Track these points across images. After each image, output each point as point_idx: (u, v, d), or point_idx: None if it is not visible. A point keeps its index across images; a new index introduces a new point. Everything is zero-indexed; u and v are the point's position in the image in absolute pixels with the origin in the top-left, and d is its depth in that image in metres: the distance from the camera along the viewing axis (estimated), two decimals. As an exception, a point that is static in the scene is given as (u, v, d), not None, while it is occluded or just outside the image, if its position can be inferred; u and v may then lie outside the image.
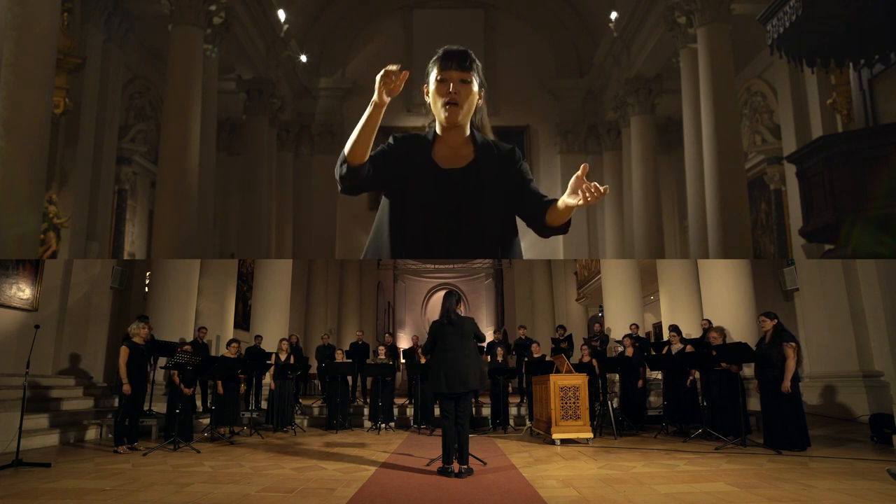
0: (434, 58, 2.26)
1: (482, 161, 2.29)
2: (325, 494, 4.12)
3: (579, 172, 2.03)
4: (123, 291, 10.14)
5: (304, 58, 14.67)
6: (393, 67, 1.99)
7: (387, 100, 2.04)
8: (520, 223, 2.36)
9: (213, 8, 10.24)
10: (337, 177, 2.19)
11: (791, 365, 5.99)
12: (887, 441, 6.24)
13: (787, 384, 5.95)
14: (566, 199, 2.07)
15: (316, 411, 9.71)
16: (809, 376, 9.05)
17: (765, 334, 6.35)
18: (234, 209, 13.57)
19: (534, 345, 9.39)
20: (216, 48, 10.71)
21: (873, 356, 8.43)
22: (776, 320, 6.31)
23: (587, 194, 1.98)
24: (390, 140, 2.34)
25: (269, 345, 10.36)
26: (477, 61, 2.27)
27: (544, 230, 2.29)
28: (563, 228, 2.27)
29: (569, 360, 7.52)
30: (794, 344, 6.07)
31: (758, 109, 11.80)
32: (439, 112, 2.24)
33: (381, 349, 9.49)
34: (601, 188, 1.96)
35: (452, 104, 2.21)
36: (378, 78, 2.01)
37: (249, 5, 11.86)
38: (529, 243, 2.44)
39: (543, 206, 2.26)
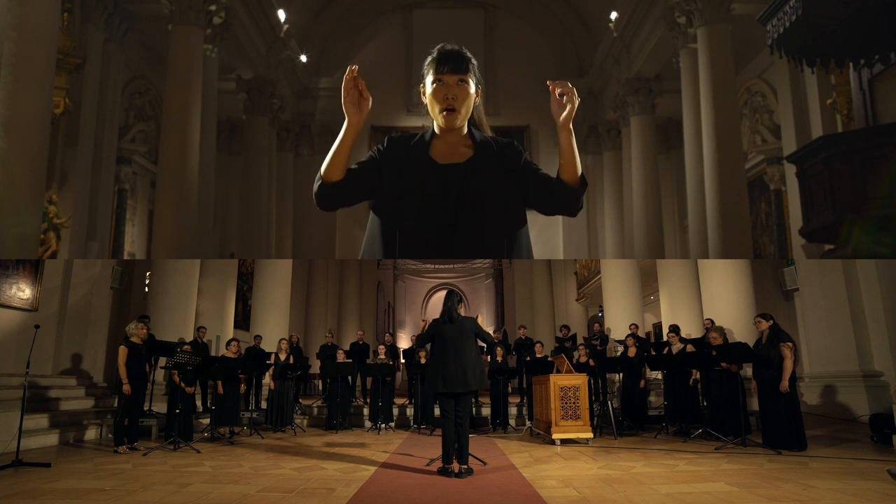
0: (429, 59, 2.23)
1: (482, 156, 2.25)
2: (325, 494, 4.12)
3: (552, 96, 2.02)
4: (123, 291, 10.14)
5: (304, 58, 14.66)
6: (353, 69, 1.96)
7: (356, 120, 2.03)
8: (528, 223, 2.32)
9: (213, 8, 10.24)
10: (313, 193, 2.19)
11: (789, 365, 6.00)
12: (887, 441, 6.25)
13: (785, 384, 5.97)
14: (559, 127, 2.04)
15: (316, 411, 9.72)
16: (809, 376, 9.05)
17: (761, 335, 6.36)
18: (234, 209, 13.57)
19: (537, 344, 9.39)
20: (216, 48, 10.70)
21: (873, 356, 8.43)
22: (772, 321, 6.33)
23: (564, 98, 1.98)
24: (383, 143, 2.30)
25: (268, 345, 10.36)
26: (472, 60, 2.23)
27: (568, 196, 2.18)
28: (582, 182, 2.15)
29: (570, 360, 7.52)
30: (790, 344, 6.08)
31: (758, 109, 11.80)
32: (437, 117, 2.22)
33: (381, 349, 9.50)
34: (566, 85, 1.97)
35: (450, 110, 2.19)
36: (343, 94, 1.99)
37: (249, 5, 11.85)
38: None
39: (558, 180, 2.19)
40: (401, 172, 2.22)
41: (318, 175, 2.16)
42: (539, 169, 2.28)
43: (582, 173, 2.15)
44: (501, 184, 2.23)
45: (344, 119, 2.07)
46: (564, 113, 2.01)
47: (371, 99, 2.03)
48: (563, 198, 2.19)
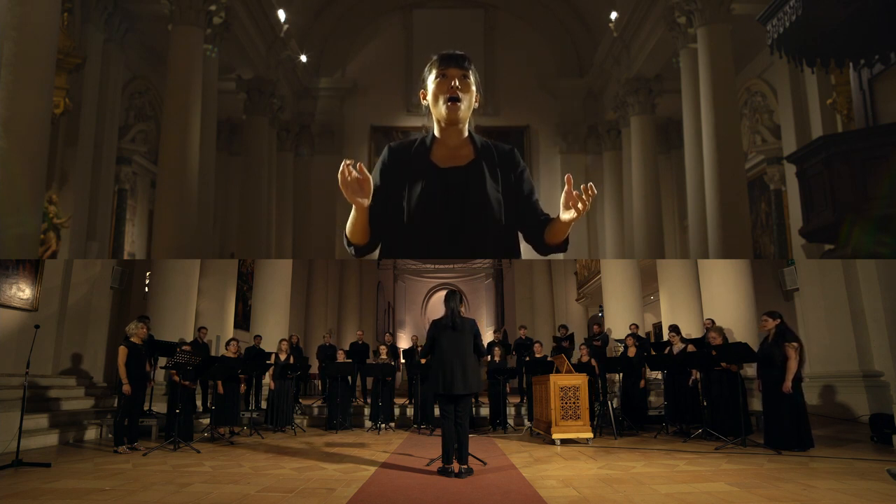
0: (430, 62, 2.28)
1: (482, 160, 2.28)
2: (325, 494, 4.13)
3: (567, 187, 2.03)
4: (123, 291, 10.14)
5: (304, 58, 14.66)
6: (348, 162, 1.96)
7: (362, 202, 2.03)
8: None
9: (213, 8, 10.23)
10: (347, 249, 2.28)
11: (792, 365, 5.97)
12: (887, 441, 6.24)
13: (788, 384, 5.94)
14: (562, 216, 2.09)
15: (316, 411, 9.71)
16: (809, 376, 9.03)
17: (768, 334, 6.32)
18: (234, 209, 13.56)
19: (536, 344, 9.39)
20: (216, 48, 10.70)
21: (873, 356, 8.41)
22: (779, 320, 6.27)
23: (579, 204, 2.00)
24: (385, 155, 2.32)
25: (268, 345, 10.36)
26: (473, 66, 2.30)
27: (542, 247, 2.30)
28: (562, 246, 2.27)
29: (569, 359, 7.52)
30: (795, 344, 6.04)
31: (758, 109, 11.80)
32: (441, 109, 2.23)
33: (382, 349, 9.50)
34: (590, 188, 1.98)
35: (454, 100, 2.21)
36: (340, 181, 1.98)
37: (249, 5, 11.85)
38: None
39: (542, 224, 2.28)
40: (404, 178, 2.25)
41: (346, 239, 2.22)
42: (532, 193, 2.33)
43: (566, 239, 2.25)
44: (501, 187, 2.27)
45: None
46: (569, 215, 2.05)
47: (370, 178, 2.03)
48: (538, 241, 2.31)
